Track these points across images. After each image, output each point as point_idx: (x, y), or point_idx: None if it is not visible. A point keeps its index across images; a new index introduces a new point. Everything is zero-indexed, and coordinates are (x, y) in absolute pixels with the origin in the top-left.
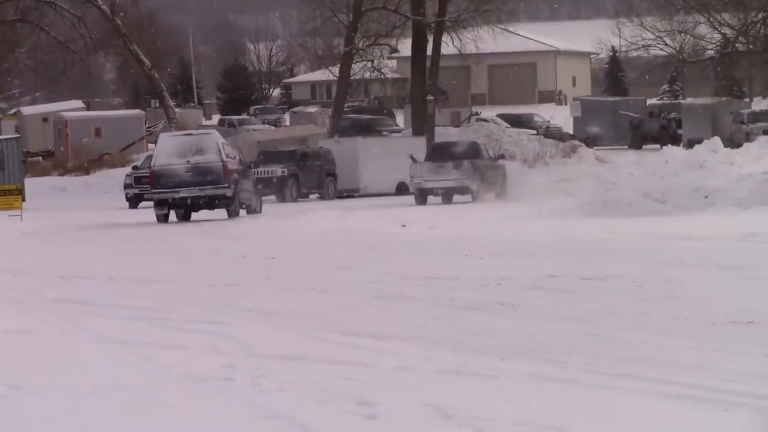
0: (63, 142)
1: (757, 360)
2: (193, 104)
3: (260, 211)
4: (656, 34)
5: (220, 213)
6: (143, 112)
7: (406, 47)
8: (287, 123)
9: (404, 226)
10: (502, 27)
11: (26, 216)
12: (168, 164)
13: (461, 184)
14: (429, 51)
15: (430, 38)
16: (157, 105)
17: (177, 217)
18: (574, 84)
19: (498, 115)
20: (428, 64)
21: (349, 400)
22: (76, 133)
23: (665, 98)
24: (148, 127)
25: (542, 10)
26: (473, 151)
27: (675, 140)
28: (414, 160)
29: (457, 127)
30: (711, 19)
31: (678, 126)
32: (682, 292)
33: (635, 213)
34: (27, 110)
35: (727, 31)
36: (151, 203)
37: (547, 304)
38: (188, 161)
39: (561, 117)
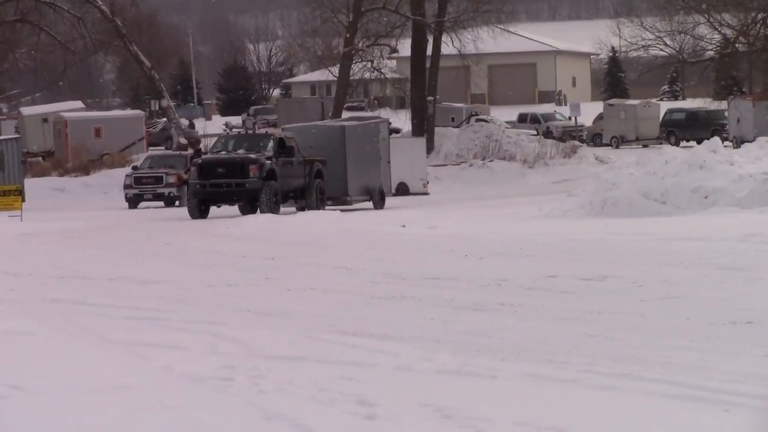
0: (63, 142)
1: (757, 360)
2: (193, 104)
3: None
4: (656, 34)
5: None
6: (143, 112)
7: (405, 47)
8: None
9: (404, 226)
10: (501, 27)
11: (26, 216)
12: None
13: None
14: (429, 51)
15: (430, 38)
16: (158, 107)
17: None
18: (573, 84)
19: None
20: (428, 64)
21: (349, 400)
22: (76, 134)
23: (665, 98)
24: (147, 128)
25: (542, 11)
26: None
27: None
28: None
29: (457, 127)
30: (711, 20)
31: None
32: (682, 292)
33: (635, 213)
34: (27, 110)
35: (727, 32)
36: (150, 204)
37: (547, 304)
38: None
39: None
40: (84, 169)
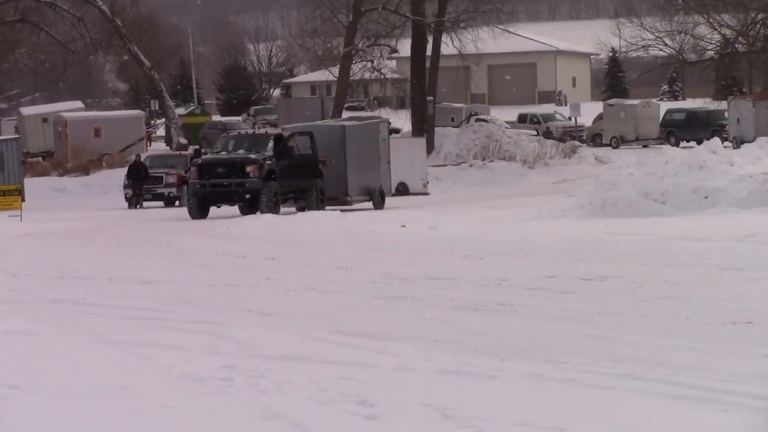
0: (63, 142)
1: (756, 360)
2: (192, 104)
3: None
4: (656, 34)
5: None
6: (143, 112)
7: (405, 47)
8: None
9: (404, 226)
10: (501, 27)
11: (26, 216)
12: None
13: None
14: (429, 51)
15: (430, 38)
16: (157, 107)
17: None
18: (574, 84)
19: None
20: (428, 65)
21: (349, 400)
22: (75, 134)
23: (665, 98)
24: (147, 128)
25: (542, 11)
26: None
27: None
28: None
29: (457, 127)
30: (711, 20)
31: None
32: (682, 292)
33: (635, 213)
34: (27, 111)
35: (727, 32)
36: (151, 204)
37: (547, 304)
38: None
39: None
40: (84, 169)
